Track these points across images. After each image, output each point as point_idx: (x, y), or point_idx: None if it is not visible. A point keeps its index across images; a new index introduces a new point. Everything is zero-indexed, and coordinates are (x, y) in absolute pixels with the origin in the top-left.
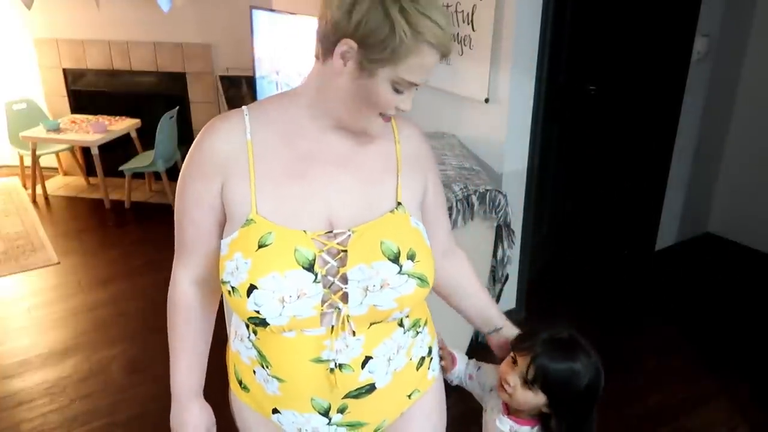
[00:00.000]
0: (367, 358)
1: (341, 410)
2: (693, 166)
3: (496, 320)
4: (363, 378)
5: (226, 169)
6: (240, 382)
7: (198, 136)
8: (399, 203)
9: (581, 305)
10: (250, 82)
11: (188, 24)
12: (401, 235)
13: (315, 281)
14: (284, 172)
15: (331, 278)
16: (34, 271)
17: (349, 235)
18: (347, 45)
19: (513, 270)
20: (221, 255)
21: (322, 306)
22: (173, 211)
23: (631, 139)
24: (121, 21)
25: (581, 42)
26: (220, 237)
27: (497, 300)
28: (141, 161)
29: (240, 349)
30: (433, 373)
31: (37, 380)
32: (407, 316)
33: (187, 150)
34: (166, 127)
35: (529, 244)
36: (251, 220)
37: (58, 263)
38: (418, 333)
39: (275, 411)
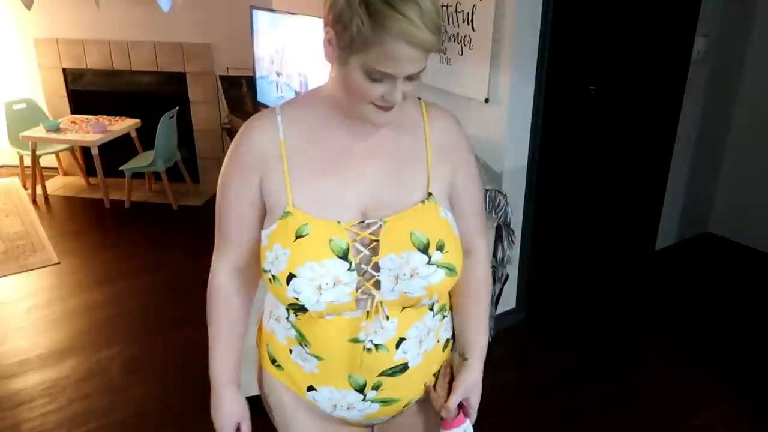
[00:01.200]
0: (401, 340)
1: (376, 387)
2: (693, 166)
3: (471, 347)
4: (397, 358)
5: (263, 166)
6: (273, 361)
7: (236, 136)
8: (430, 194)
9: (581, 305)
10: (250, 82)
11: (188, 24)
12: (431, 225)
13: (349, 269)
14: (316, 167)
15: (364, 266)
16: (34, 272)
17: (381, 225)
18: (328, 33)
19: (513, 270)
20: (262, 246)
21: (356, 292)
22: (173, 211)
23: (631, 139)
24: (121, 21)
25: (581, 42)
26: (261, 229)
27: (497, 300)
28: (141, 161)
29: (276, 329)
30: (456, 353)
31: (36, 380)
32: (437, 301)
33: (188, 151)
34: (166, 127)
35: (529, 244)
36: (288, 212)
37: (58, 263)
38: (444, 317)
39: (310, 388)
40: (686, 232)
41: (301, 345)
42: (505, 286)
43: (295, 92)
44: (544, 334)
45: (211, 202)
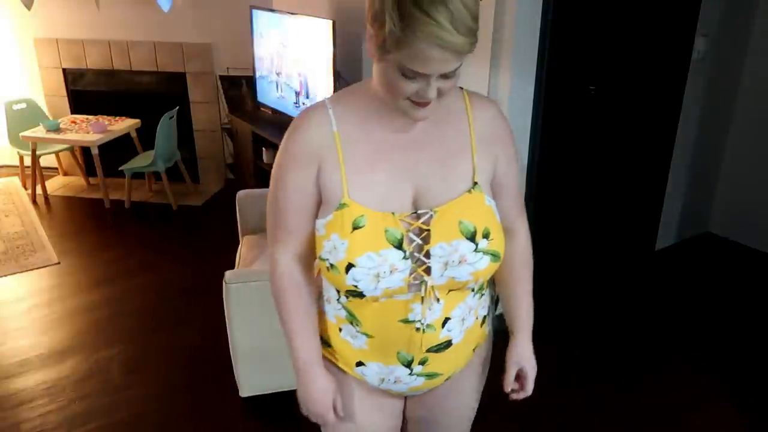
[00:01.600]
0: (446, 319)
1: (422, 362)
2: (693, 166)
3: (516, 323)
4: (443, 336)
5: (319, 158)
6: (320, 338)
7: (288, 130)
8: (475, 183)
9: (581, 305)
10: (250, 82)
11: (188, 24)
12: (477, 214)
13: (404, 258)
14: (368, 158)
15: (416, 254)
16: (34, 271)
17: (431, 215)
18: (369, 30)
19: None
20: (318, 235)
21: (409, 278)
22: (173, 211)
23: (631, 139)
24: (121, 21)
25: (581, 42)
26: (316, 217)
27: (497, 300)
28: (141, 161)
29: (326, 309)
30: (489, 327)
31: (36, 380)
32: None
33: (188, 151)
34: (166, 127)
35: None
36: (344, 204)
37: (58, 263)
38: (482, 295)
39: (359, 364)
40: (686, 232)
41: (351, 324)
42: None
43: (295, 92)
44: (544, 334)
45: (210, 203)
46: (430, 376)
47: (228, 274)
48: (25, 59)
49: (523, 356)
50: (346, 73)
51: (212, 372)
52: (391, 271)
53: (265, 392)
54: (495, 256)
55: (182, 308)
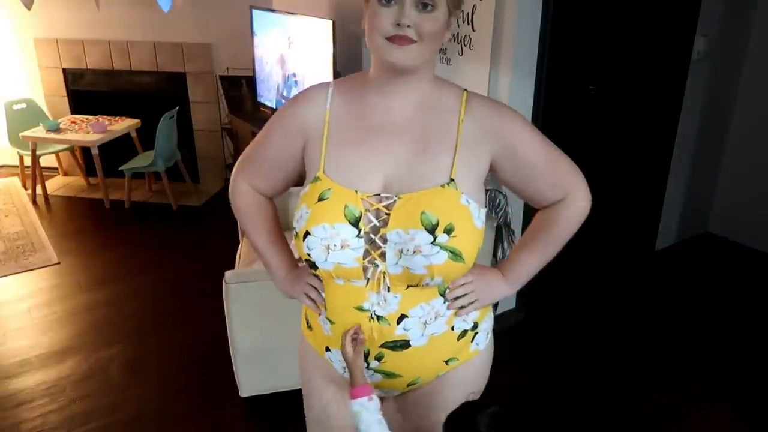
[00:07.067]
0: (403, 316)
1: (378, 358)
2: (693, 166)
3: (502, 264)
4: (398, 333)
5: (306, 133)
6: (307, 322)
7: (292, 97)
8: (452, 179)
9: (581, 305)
10: (250, 82)
11: (188, 24)
12: (445, 209)
13: (358, 236)
14: (350, 140)
15: (372, 236)
16: (34, 271)
17: (395, 201)
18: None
19: None
20: (296, 206)
21: (363, 260)
22: (173, 211)
23: (631, 139)
24: (121, 21)
25: (581, 42)
26: (287, 174)
27: (496, 302)
28: (141, 161)
29: None
30: (477, 346)
31: (36, 380)
32: (449, 288)
33: (188, 151)
34: (166, 127)
35: None
36: (318, 177)
37: (58, 263)
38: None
39: (327, 349)
40: (686, 232)
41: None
42: None
43: (295, 92)
44: (543, 335)
45: (210, 203)
46: (388, 375)
47: (228, 274)
48: (25, 59)
49: (480, 274)
50: (346, 73)
51: (212, 372)
52: (342, 246)
53: (265, 392)
54: (455, 254)
55: (182, 308)
